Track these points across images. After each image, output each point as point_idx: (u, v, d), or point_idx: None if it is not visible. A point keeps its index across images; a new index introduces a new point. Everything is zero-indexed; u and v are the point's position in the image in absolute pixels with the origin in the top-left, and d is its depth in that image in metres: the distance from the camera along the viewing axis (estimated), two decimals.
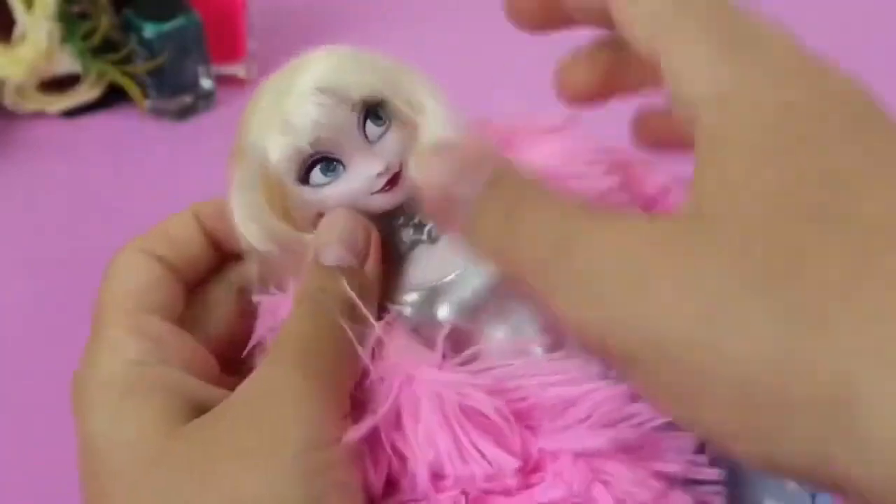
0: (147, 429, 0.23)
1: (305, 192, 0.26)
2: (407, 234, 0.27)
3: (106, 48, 0.52)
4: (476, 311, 0.26)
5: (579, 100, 0.27)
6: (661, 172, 0.30)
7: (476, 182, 0.21)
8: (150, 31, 0.50)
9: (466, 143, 0.23)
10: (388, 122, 0.27)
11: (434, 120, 0.28)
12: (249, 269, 0.28)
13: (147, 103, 0.53)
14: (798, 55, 0.20)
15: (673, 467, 0.24)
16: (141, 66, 0.52)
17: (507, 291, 0.25)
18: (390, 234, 0.27)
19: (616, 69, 0.27)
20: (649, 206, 0.30)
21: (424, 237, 0.27)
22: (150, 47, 0.51)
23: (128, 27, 0.51)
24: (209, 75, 0.54)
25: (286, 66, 0.27)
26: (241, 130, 0.27)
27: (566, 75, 0.27)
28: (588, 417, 0.24)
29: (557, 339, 0.25)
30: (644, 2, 0.21)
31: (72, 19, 0.51)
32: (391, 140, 0.26)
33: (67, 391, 0.39)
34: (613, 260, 0.18)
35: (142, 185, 0.49)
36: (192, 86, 0.53)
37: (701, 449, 0.25)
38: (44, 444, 0.36)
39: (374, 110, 0.26)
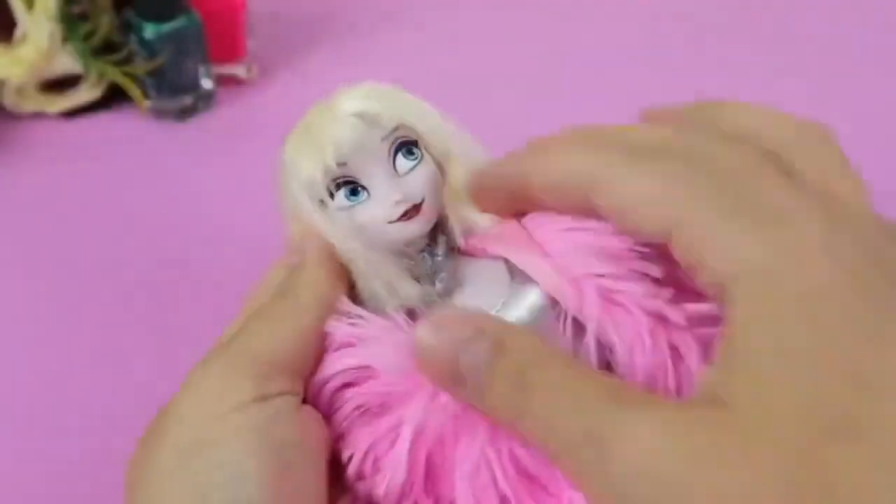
0: None
1: (326, 212, 0.27)
2: (428, 266, 0.28)
3: (106, 49, 0.52)
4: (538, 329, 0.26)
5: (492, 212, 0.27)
6: None
7: (480, 351, 0.21)
8: (150, 31, 0.50)
9: (464, 314, 0.23)
10: (419, 159, 0.28)
11: (461, 168, 0.29)
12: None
13: (147, 104, 0.53)
14: (822, 226, 0.20)
15: None
16: (141, 67, 0.52)
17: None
18: (416, 266, 0.28)
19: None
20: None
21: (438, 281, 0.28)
22: (150, 48, 0.51)
23: (128, 28, 0.51)
24: (209, 76, 0.54)
25: (333, 93, 0.28)
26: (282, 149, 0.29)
27: (481, 199, 0.27)
28: None
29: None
30: (648, 178, 0.21)
31: (72, 20, 0.51)
32: (419, 175, 0.27)
33: (65, 390, 0.39)
34: (649, 466, 0.18)
35: (142, 185, 0.49)
36: (193, 86, 0.53)
37: None
38: (44, 444, 0.36)
39: (407, 146, 0.28)
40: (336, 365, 0.26)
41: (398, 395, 0.25)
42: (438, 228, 0.29)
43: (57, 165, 0.51)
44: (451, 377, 0.22)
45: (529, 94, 0.57)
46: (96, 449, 0.35)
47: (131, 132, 0.53)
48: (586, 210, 0.23)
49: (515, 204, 0.26)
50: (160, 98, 0.53)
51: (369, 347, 0.26)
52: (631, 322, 0.25)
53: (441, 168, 0.28)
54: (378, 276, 0.27)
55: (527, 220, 0.27)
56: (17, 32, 0.50)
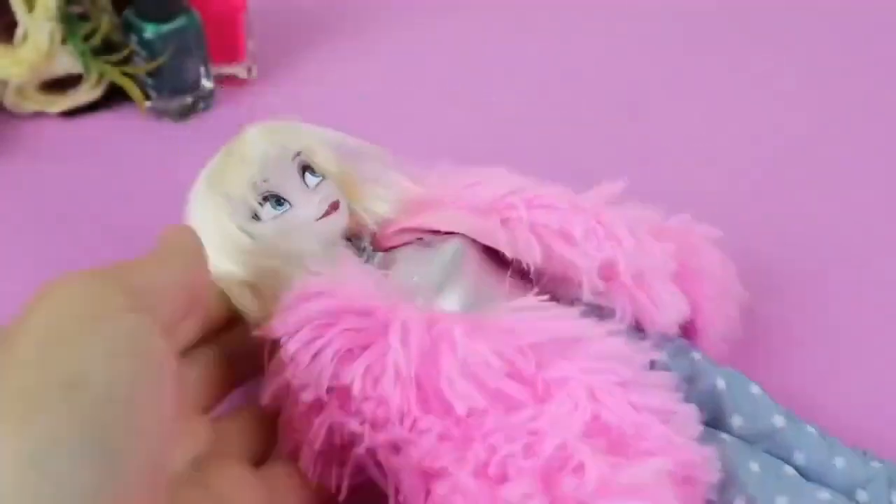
0: None
1: (260, 227, 0.33)
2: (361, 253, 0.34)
3: (106, 49, 0.52)
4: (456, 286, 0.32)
5: None
6: (719, 314, 0.35)
7: None
8: (150, 31, 0.50)
9: None
10: (322, 177, 0.34)
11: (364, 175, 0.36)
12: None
13: (147, 104, 0.53)
14: None
15: (655, 401, 0.28)
16: (141, 67, 0.52)
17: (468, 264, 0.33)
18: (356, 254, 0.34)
19: None
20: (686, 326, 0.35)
21: (372, 257, 0.34)
22: (150, 48, 0.51)
23: (128, 28, 0.51)
24: (209, 76, 0.54)
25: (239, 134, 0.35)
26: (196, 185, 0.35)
27: None
28: (590, 354, 0.28)
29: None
30: None
31: (72, 20, 0.51)
32: (326, 185, 0.34)
33: None
34: None
35: (142, 185, 0.49)
36: (193, 86, 0.53)
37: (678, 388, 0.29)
38: None
39: (310, 168, 0.34)
40: (311, 308, 0.29)
41: (374, 330, 0.29)
42: (356, 231, 0.35)
43: (57, 165, 0.51)
44: None
45: (529, 93, 0.58)
46: None
47: (131, 132, 0.53)
48: None
49: None
50: (160, 98, 0.53)
51: (338, 291, 0.29)
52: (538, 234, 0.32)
53: (344, 180, 0.35)
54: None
55: (429, 190, 0.35)
56: (18, 33, 0.50)
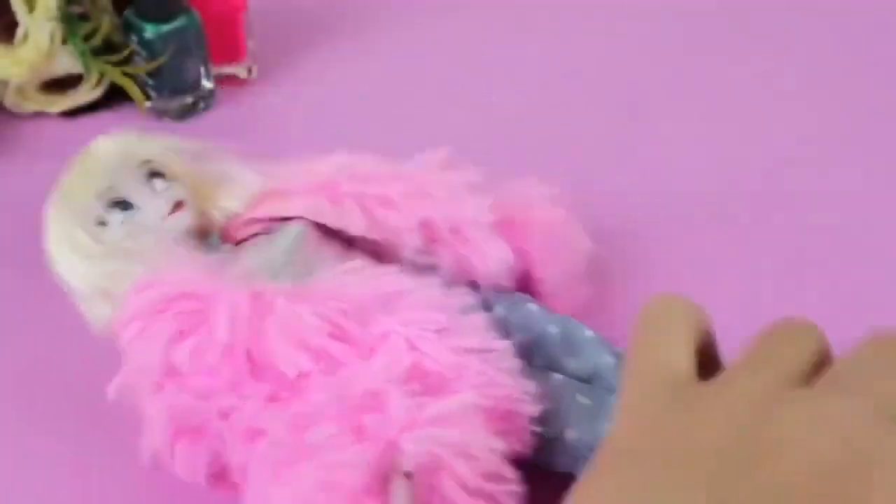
0: None
1: (109, 232, 0.35)
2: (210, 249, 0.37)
3: (107, 49, 0.52)
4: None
5: None
6: (554, 264, 0.38)
7: None
8: (150, 31, 0.50)
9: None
10: (171, 184, 0.37)
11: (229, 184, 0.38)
12: None
13: (148, 104, 0.53)
14: None
15: (472, 342, 0.31)
16: (141, 67, 0.52)
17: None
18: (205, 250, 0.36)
19: None
20: (527, 279, 0.38)
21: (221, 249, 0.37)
22: (150, 48, 0.51)
23: (128, 28, 0.51)
24: (209, 76, 0.54)
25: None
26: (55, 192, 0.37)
27: None
28: (408, 306, 0.31)
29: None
30: None
31: (73, 20, 0.51)
32: (174, 187, 0.36)
33: (67, 385, 0.39)
34: None
35: None
36: (193, 86, 0.53)
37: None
38: (43, 440, 0.37)
39: (159, 174, 0.36)
40: (142, 298, 0.31)
41: (203, 311, 0.30)
42: (206, 228, 0.37)
43: (57, 165, 0.51)
44: None
45: (529, 93, 0.57)
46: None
47: None
48: None
49: None
50: (160, 98, 0.53)
51: (168, 279, 0.32)
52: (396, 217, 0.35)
53: (195, 183, 0.37)
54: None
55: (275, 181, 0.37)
56: (18, 33, 0.50)
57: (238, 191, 0.38)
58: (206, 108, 0.54)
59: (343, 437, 0.28)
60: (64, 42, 0.51)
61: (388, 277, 0.32)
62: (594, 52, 0.61)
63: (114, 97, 0.54)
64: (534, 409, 0.31)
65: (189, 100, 0.53)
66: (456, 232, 0.35)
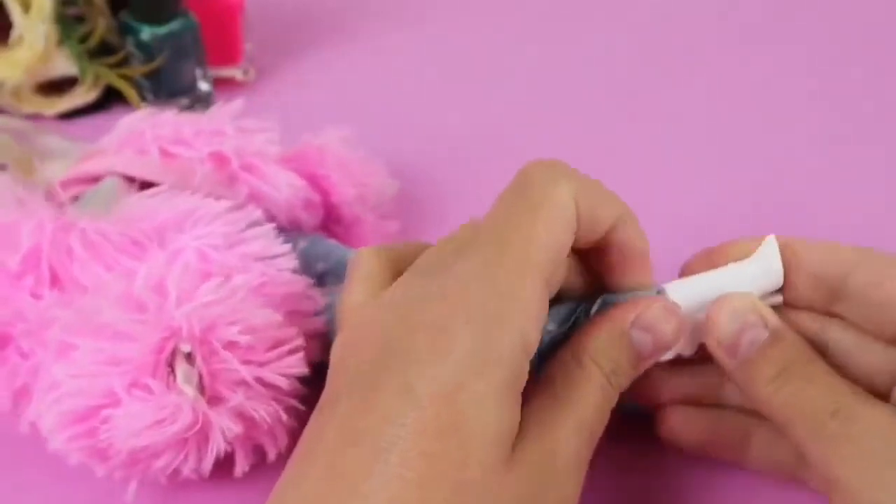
0: None
1: None
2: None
3: (103, 51, 0.52)
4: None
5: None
6: (349, 187, 0.41)
7: (760, 335, 0.28)
8: (146, 33, 0.50)
9: (740, 303, 0.29)
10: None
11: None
12: None
13: (144, 106, 0.53)
14: None
15: (256, 247, 0.33)
16: (138, 69, 0.52)
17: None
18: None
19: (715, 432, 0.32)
20: (331, 212, 0.41)
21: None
22: (146, 50, 0.51)
23: (124, 30, 0.51)
24: (206, 78, 0.54)
25: None
26: None
27: (672, 432, 0.33)
28: (201, 222, 0.33)
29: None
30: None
31: (68, 22, 0.51)
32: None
33: None
34: (881, 440, 0.25)
35: None
36: (189, 88, 0.53)
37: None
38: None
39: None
40: None
41: (9, 235, 0.32)
42: None
43: None
44: (727, 348, 0.28)
45: (528, 93, 0.57)
46: None
47: None
48: (837, 294, 0.30)
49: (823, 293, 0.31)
50: (157, 100, 0.53)
51: None
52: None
53: (22, 160, 0.39)
54: None
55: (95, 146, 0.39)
56: (13, 34, 0.50)
57: (59, 162, 0.39)
58: (203, 110, 0.54)
59: (126, 316, 0.29)
60: (60, 44, 0.51)
61: (182, 198, 0.35)
62: (594, 51, 0.61)
63: (110, 99, 0.53)
64: (317, 304, 0.34)
65: (185, 102, 0.53)
66: (248, 168, 0.38)
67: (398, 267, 0.29)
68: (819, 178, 0.51)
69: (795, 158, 0.52)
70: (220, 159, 0.38)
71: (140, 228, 0.33)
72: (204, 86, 0.54)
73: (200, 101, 0.54)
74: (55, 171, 0.38)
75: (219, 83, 0.55)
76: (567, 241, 0.27)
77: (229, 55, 0.55)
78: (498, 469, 0.23)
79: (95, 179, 0.37)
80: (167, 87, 0.52)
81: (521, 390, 0.25)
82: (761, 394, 0.28)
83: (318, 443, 0.24)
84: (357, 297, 0.28)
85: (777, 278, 0.30)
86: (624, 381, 0.28)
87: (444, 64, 0.60)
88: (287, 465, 0.25)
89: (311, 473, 0.24)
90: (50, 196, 0.37)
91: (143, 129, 0.38)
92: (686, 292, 0.30)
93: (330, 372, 0.27)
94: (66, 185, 0.37)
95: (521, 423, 0.25)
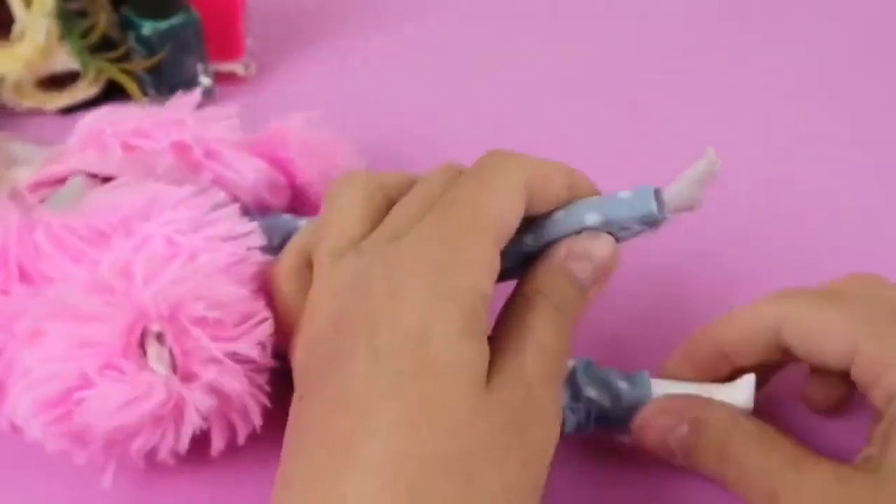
0: None
1: None
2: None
3: (104, 46, 0.52)
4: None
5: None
6: (313, 167, 0.41)
7: (684, 433, 0.30)
8: (148, 28, 0.50)
9: (669, 403, 0.32)
10: None
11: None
12: None
13: (145, 101, 0.53)
14: None
15: (221, 229, 0.33)
16: (139, 64, 0.52)
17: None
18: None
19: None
20: (298, 194, 0.42)
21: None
22: (148, 45, 0.51)
23: (126, 25, 0.51)
24: (208, 73, 0.54)
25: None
26: None
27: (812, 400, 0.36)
28: (166, 209, 0.34)
29: None
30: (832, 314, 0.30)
31: (70, 17, 0.51)
32: None
33: None
34: None
35: None
36: (191, 83, 0.53)
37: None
38: None
39: None
40: None
41: None
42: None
43: None
44: (666, 452, 0.31)
45: (528, 92, 0.57)
46: None
47: None
48: (773, 351, 0.32)
49: (714, 364, 0.34)
50: (158, 95, 0.53)
51: None
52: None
53: None
54: None
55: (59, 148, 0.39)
56: (15, 29, 0.50)
57: (26, 168, 0.39)
58: (204, 105, 0.54)
59: (95, 299, 0.30)
60: (61, 39, 0.51)
61: (145, 186, 0.35)
62: (594, 51, 0.61)
63: (111, 94, 0.53)
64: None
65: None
66: (211, 155, 0.38)
67: (391, 195, 0.31)
68: (819, 178, 0.51)
69: (796, 158, 0.52)
70: (181, 148, 0.38)
71: (105, 220, 0.33)
72: (205, 80, 0.54)
73: (202, 96, 0.54)
74: (22, 177, 0.38)
75: (220, 78, 0.55)
76: (516, 211, 0.28)
77: (231, 50, 0.55)
78: (479, 404, 0.25)
79: (62, 181, 0.37)
80: (168, 81, 0.52)
81: (485, 331, 0.26)
82: (717, 478, 0.30)
83: (306, 431, 0.26)
84: (332, 242, 0.29)
85: (746, 411, 0.32)
86: (574, 310, 0.29)
87: (446, 62, 0.60)
88: (281, 465, 0.26)
89: (303, 466, 0.25)
90: (16, 199, 0.38)
91: (103, 126, 0.38)
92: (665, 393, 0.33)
93: (298, 358, 0.28)
94: (33, 188, 0.37)
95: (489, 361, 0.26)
